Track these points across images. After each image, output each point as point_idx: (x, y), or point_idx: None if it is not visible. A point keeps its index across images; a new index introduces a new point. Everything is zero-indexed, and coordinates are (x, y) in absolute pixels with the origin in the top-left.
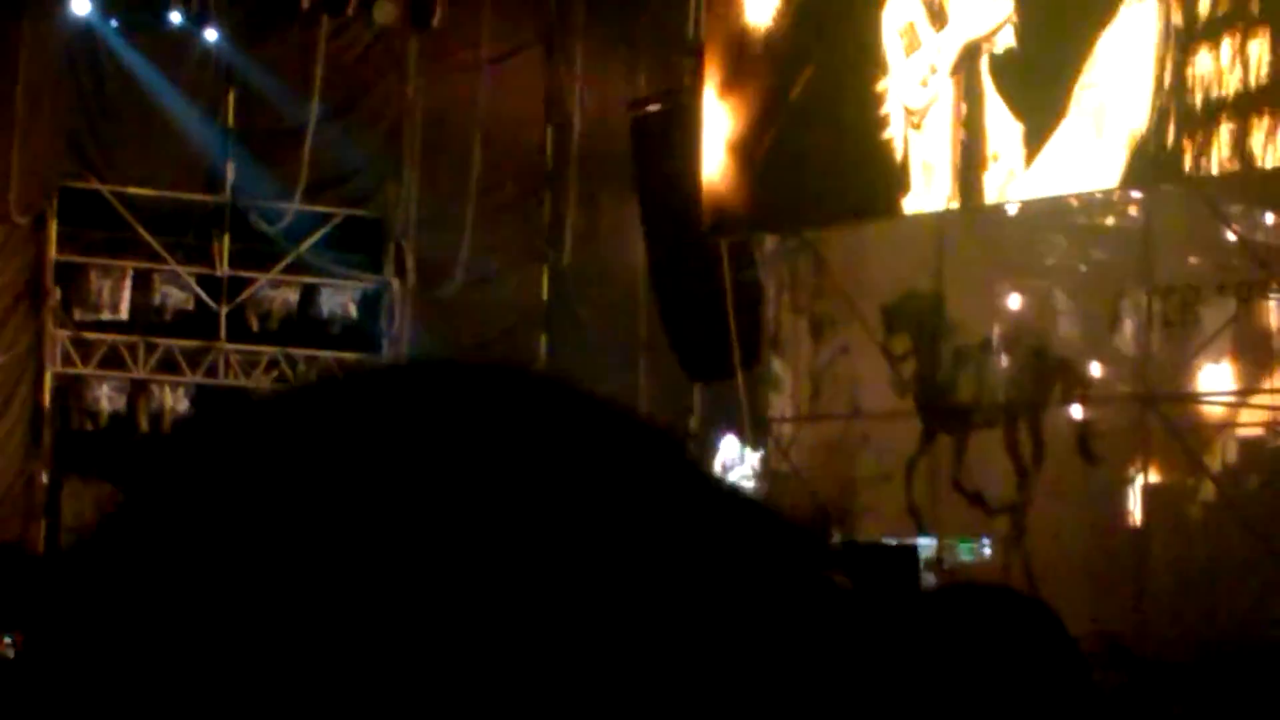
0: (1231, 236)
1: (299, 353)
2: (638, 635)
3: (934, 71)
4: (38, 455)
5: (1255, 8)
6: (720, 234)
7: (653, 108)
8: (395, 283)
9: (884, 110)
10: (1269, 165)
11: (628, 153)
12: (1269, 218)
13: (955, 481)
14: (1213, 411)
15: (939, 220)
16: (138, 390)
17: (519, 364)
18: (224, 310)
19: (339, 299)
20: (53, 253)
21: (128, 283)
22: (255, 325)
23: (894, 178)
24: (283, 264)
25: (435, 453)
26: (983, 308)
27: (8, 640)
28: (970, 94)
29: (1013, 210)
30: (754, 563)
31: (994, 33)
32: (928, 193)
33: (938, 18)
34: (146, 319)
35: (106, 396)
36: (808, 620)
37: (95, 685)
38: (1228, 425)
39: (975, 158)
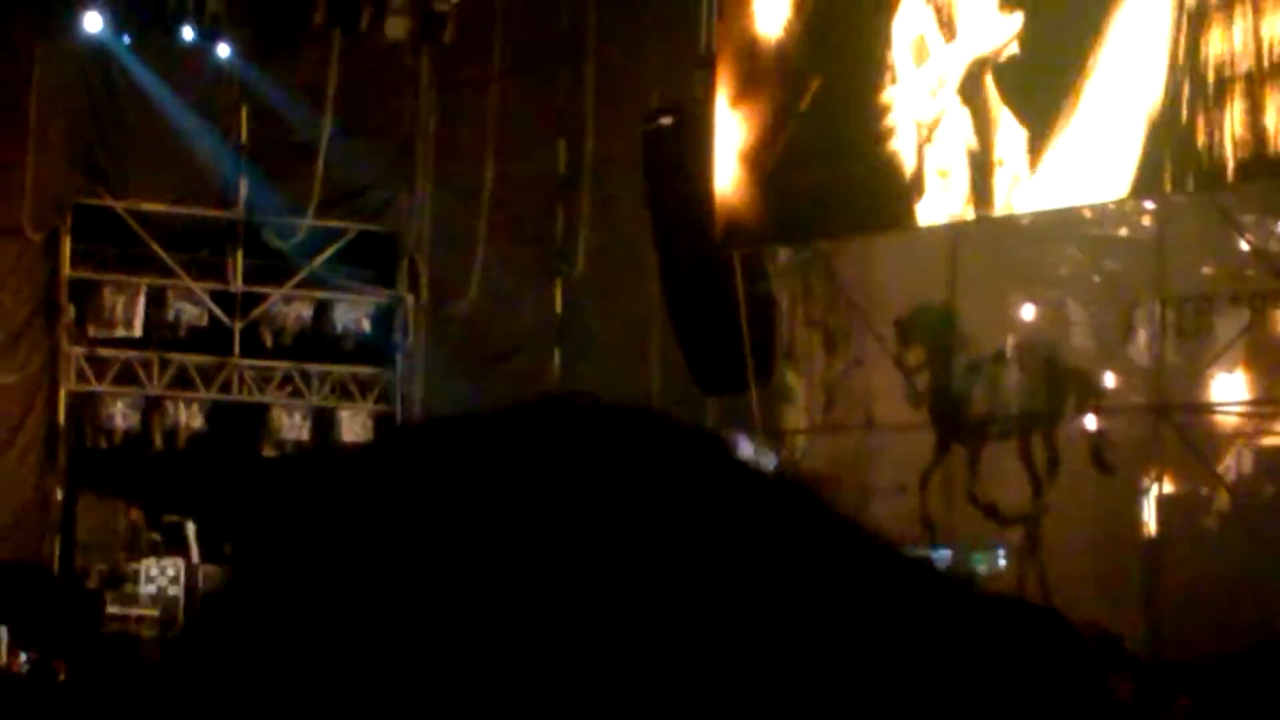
0: (1245, 246)
1: (313, 368)
2: (782, 685)
3: (942, 84)
4: (52, 472)
5: None
6: (733, 246)
7: (665, 121)
8: (409, 297)
9: (893, 121)
10: None
11: (640, 166)
12: None
13: (969, 493)
14: (1227, 421)
15: (951, 232)
16: (152, 407)
17: (661, 414)
18: (238, 326)
19: (352, 314)
20: (66, 269)
21: (141, 299)
22: (269, 341)
23: (904, 189)
24: (296, 279)
25: (578, 505)
26: (996, 319)
27: (24, 657)
28: (978, 104)
29: (1025, 221)
30: (894, 610)
31: (1003, 48)
32: (938, 203)
33: (948, 30)
34: (160, 335)
35: (121, 413)
36: (941, 667)
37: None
38: (1242, 435)
39: (984, 167)
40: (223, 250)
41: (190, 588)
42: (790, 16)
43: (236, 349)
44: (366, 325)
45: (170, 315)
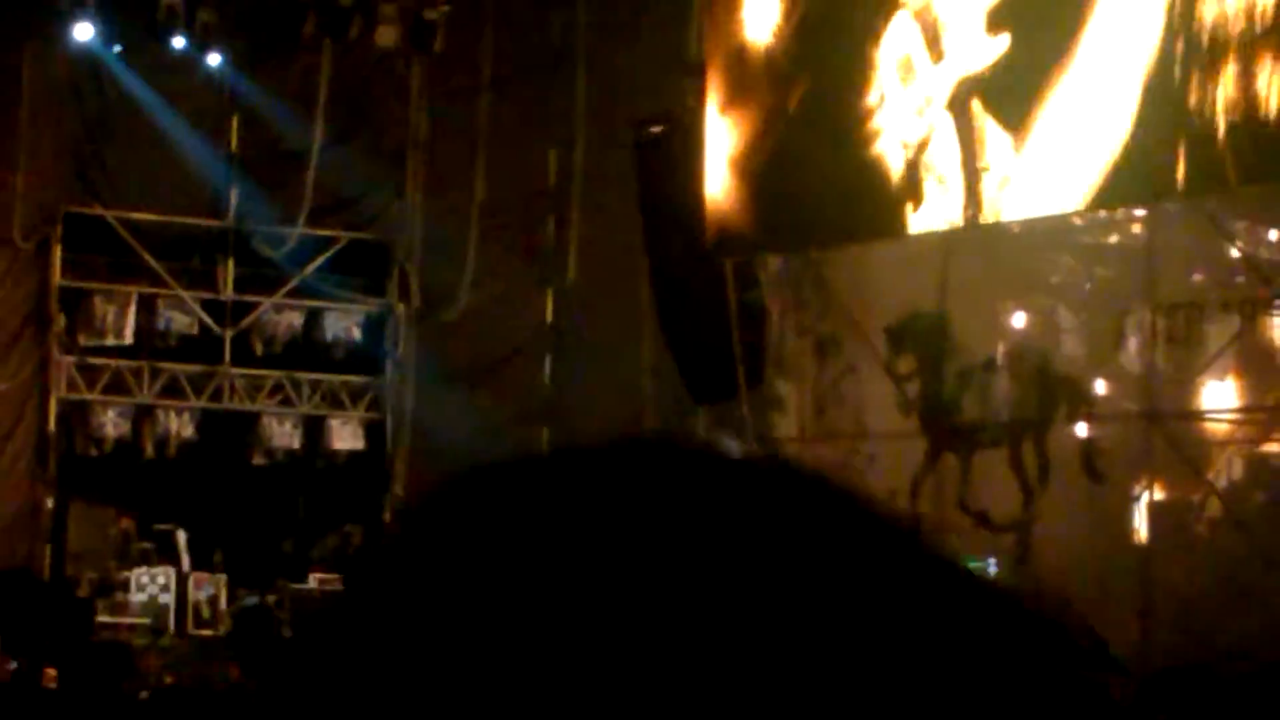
0: (1235, 253)
1: (303, 377)
2: None
3: (930, 103)
4: (43, 480)
5: None
6: (724, 254)
7: (655, 128)
8: (399, 306)
9: (881, 128)
10: (1275, 108)
11: (631, 174)
12: (1272, 234)
13: (961, 501)
14: (1218, 428)
15: (942, 240)
16: (142, 415)
17: (772, 460)
18: (228, 335)
19: (343, 323)
20: (57, 278)
21: (132, 308)
22: (259, 349)
23: (895, 196)
24: (287, 288)
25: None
26: (987, 327)
27: (13, 664)
28: (965, 116)
29: (1015, 229)
30: (1012, 663)
31: (990, 68)
32: (929, 211)
33: (935, 50)
34: (151, 344)
35: (111, 422)
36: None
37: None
38: (1233, 442)
39: (973, 173)
40: (213, 259)
41: (181, 596)
42: (779, 23)
43: (227, 358)
44: (357, 334)
45: (161, 324)
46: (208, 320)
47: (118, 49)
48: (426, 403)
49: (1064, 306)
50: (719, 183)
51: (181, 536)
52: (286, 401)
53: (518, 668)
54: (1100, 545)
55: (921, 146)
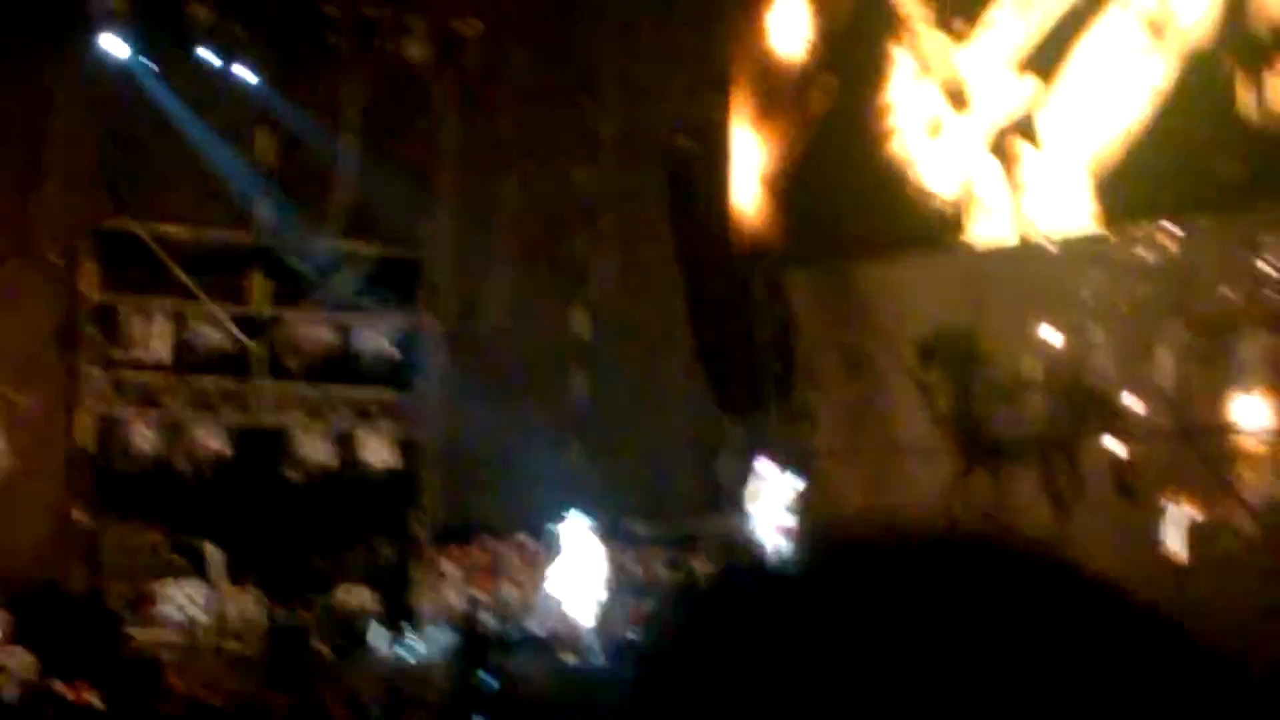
0: (1266, 268)
1: (335, 391)
2: None
3: (961, 148)
4: (75, 496)
5: None
6: (753, 268)
7: (684, 142)
8: (430, 321)
9: (911, 144)
10: None
11: (661, 188)
12: None
13: (991, 517)
14: (1250, 444)
15: (974, 254)
16: (174, 430)
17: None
18: (259, 349)
19: (375, 337)
20: (88, 293)
21: (163, 322)
22: (291, 364)
23: (926, 211)
24: (317, 303)
25: None
26: (1017, 341)
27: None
28: (1001, 146)
29: (1047, 244)
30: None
31: (1023, 111)
32: (963, 225)
33: (958, 101)
34: (182, 359)
35: (143, 437)
36: None
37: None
38: (1266, 458)
39: (1006, 191)
40: (244, 273)
41: (213, 611)
42: (806, 35)
43: (258, 372)
44: (388, 348)
45: (192, 339)
46: (239, 334)
47: (148, 63)
48: (458, 417)
49: (1094, 321)
50: (748, 195)
51: (214, 551)
52: (318, 416)
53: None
54: (1131, 561)
55: (953, 167)
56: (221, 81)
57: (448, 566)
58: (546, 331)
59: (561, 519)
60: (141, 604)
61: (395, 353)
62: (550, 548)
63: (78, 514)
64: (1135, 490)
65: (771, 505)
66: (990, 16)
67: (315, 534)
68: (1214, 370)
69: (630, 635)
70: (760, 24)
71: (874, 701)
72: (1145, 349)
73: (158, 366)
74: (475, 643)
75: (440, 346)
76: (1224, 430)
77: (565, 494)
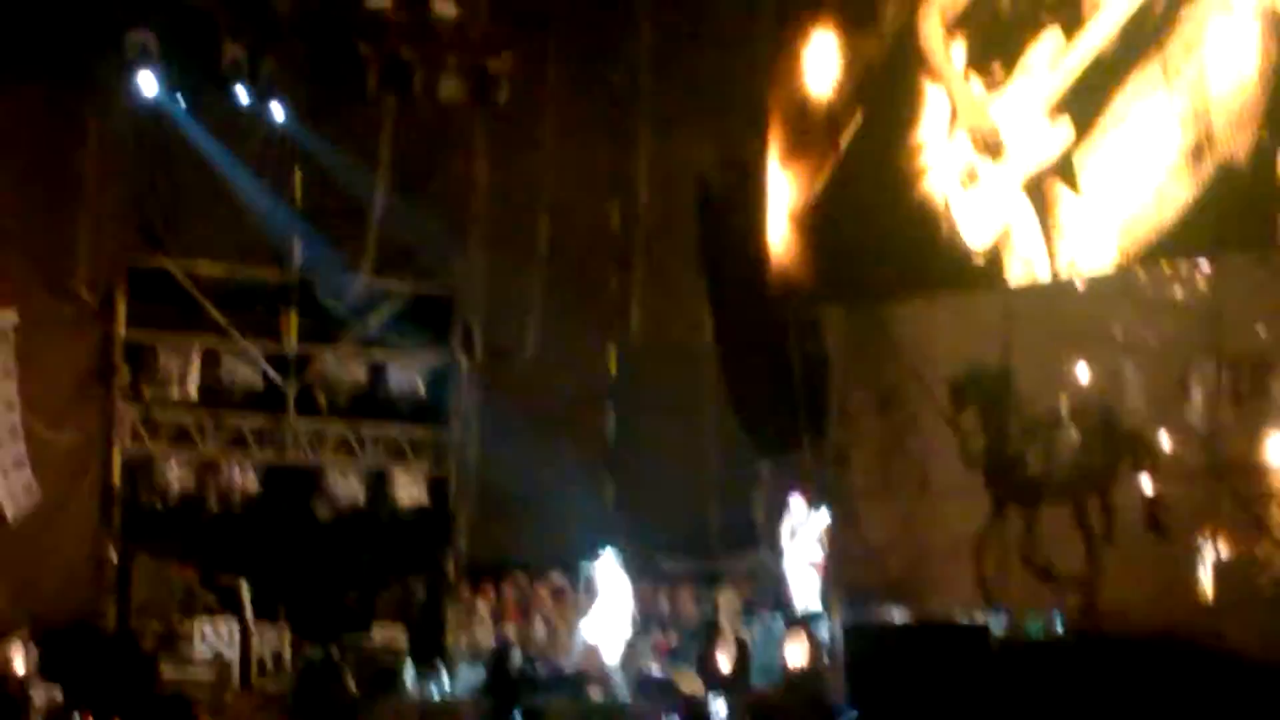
0: None
1: (367, 429)
2: None
3: (995, 191)
4: (108, 533)
5: None
6: (786, 305)
7: (718, 180)
8: (463, 359)
9: (942, 185)
10: None
11: (694, 225)
12: None
13: (1025, 555)
14: None
15: (1005, 293)
16: (206, 468)
17: None
18: (292, 387)
19: (407, 375)
20: (121, 330)
21: (196, 360)
22: (323, 402)
23: (959, 250)
24: (350, 340)
25: None
26: (1050, 380)
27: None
28: (1035, 189)
29: (1080, 282)
30: None
31: (1059, 155)
32: (993, 266)
33: (993, 151)
34: (215, 396)
35: (175, 474)
36: None
37: None
38: None
39: (1038, 232)
40: (277, 311)
41: (244, 649)
42: (840, 78)
43: (291, 410)
44: (421, 386)
45: (224, 376)
46: (271, 372)
47: (182, 102)
48: (490, 454)
49: (1128, 360)
50: (781, 234)
51: (245, 589)
52: (350, 453)
53: None
54: (1165, 601)
55: (986, 208)
56: (255, 120)
57: (479, 604)
58: (579, 368)
59: (594, 556)
60: (173, 641)
61: (426, 390)
62: (582, 585)
63: (109, 550)
64: (1168, 528)
65: (804, 542)
66: (1025, 63)
67: (346, 571)
68: (1246, 408)
69: (653, 668)
70: (796, 64)
71: None
72: (1177, 387)
73: (190, 404)
74: (506, 681)
75: (472, 384)
76: (1256, 468)
77: (597, 531)
